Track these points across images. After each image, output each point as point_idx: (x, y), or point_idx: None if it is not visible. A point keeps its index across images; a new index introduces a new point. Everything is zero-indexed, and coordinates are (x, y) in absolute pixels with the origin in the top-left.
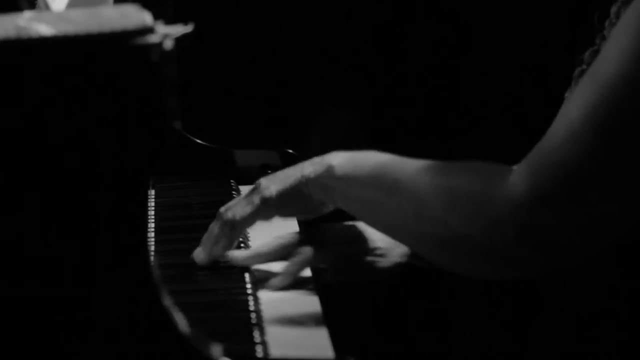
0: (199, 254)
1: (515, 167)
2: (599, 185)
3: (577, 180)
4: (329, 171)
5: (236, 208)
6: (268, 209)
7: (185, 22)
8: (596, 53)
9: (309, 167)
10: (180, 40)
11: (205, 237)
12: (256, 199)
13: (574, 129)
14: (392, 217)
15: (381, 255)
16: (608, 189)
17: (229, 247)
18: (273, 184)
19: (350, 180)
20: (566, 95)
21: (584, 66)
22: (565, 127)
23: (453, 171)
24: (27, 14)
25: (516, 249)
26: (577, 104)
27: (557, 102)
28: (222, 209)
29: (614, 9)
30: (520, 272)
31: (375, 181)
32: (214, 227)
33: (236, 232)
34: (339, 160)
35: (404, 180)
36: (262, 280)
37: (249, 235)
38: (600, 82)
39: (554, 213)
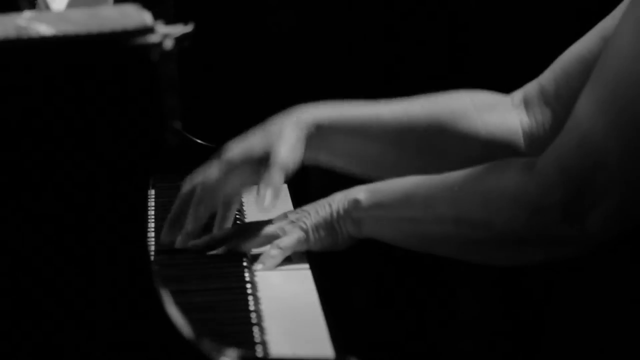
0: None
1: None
2: (621, 158)
3: (601, 153)
4: (356, 205)
5: (267, 230)
6: (306, 242)
7: (185, 22)
8: None
9: (336, 204)
10: (180, 40)
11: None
12: (298, 232)
13: (596, 102)
14: (430, 231)
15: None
16: (631, 160)
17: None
18: (306, 218)
19: (380, 208)
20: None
21: None
22: (585, 107)
23: (482, 173)
24: (27, 14)
25: (560, 229)
26: (598, 78)
27: None
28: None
29: None
30: (567, 251)
31: (408, 202)
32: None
33: (279, 258)
34: (364, 193)
35: (436, 193)
36: (262, 281)
37: (245, 212)
38: (607, 75)
39: (588, 186)
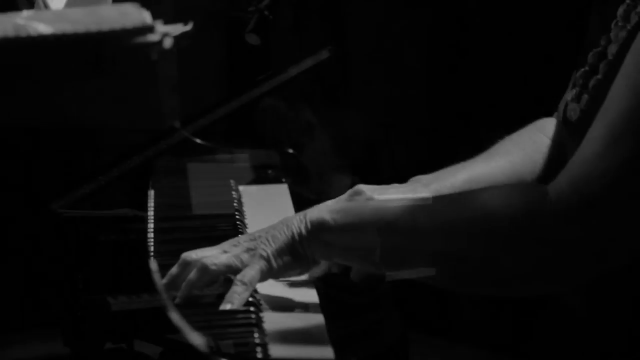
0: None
1: (552, 183)
2: (621, 170)
3: (623, 185)
4: (322, 226)
5: (221, 259)
6: (270, 271)
7: (184, 21)
8: (602, 55)
9: (296, 226)
10: (179, 39)
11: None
12: (259, 262)
13: (614, 134)
14: (413, 258)
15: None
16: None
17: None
18: (265, 245)
19: (353, 230)
20: (567, 97)
21: (587, 67)
22: (604, 133)
23: (487, 197)
24: (26, 13)
25: (563, 265)
26: (614, 109)
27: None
28: (192, 256)
29: (620, 11)
30: (561, 285)
31: (389, 226)
32: (184, 272)
33: (246, 294)
34: (329, 214)
35: (422, 218)
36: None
37: (246, 221)
38: (636, 85)
39: (605, 222)
